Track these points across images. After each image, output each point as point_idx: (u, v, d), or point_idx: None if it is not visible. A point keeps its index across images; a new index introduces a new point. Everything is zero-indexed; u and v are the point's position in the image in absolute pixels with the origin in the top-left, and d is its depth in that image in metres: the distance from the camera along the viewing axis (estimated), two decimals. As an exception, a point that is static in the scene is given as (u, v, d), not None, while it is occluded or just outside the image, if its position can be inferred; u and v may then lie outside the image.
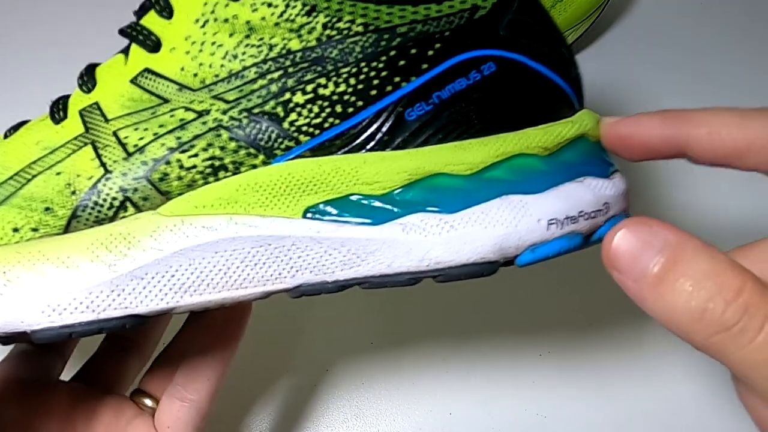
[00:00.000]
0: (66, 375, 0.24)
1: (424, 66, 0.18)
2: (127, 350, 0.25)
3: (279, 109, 0.18)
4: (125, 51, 0.20)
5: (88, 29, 0.37)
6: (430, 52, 0.18)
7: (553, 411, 0.29)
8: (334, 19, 0.18)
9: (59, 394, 0.22)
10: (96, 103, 0.19)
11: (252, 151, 0.18)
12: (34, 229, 0.17)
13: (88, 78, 0.20)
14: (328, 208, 0.17)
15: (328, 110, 0.18)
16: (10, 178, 0.18)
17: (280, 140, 0.18)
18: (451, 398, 0.29)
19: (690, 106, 0.17)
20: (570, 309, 0.31)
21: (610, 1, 0.36)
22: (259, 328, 0.29)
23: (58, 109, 0.19)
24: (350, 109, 0.18)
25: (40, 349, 0.23)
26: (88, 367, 0.24)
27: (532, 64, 0.18)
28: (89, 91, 0.19)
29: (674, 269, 0.14)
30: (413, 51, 0.18)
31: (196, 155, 0.17)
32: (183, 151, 0.17)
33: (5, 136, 0.20)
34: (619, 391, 0.29)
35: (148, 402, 0.23)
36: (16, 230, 0.17)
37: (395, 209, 0.17)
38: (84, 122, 0.18)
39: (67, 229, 0.17)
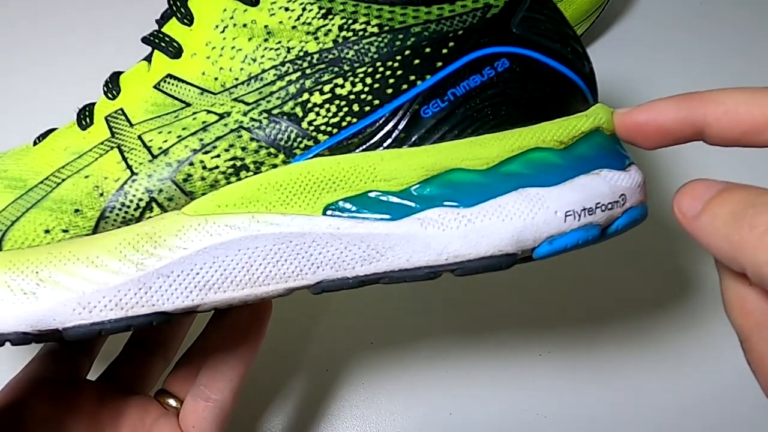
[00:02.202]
0: (92, 376, 0.24)
1: (439, 64, 0.18)
2: (151, 352, 0.25)
3: (298, 110, 0.18)
4: (148, 58, 0.20)
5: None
6: (444, 51, 0.18)
7: (553, 411, 0.29)
8: (350, 21, 0.18)
9: (87, 394, 0.22)
10: (121, 109, 0.19)
11: (272, 150, 0.18)
12: (65, 231, 0.18)
13: (113, 85, 0.20)
14: (347, 205, 0.18)
15: (345, 109, 0.18)
16: (41, 182, 0.18)
17: (299, 140, 0.18)
18: (451, 398, 0.29)
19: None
20: (570, 309, 0.31)
21: (610, 1, 0.36)
22: None
23: (85, 116, 0.20)
24: (367, 108, 0.18)
25: (69, 348, 0.24)
26: (113, 368, 0.25)
27: (544, 60, 0.19)
28: (114, 97, 0.20)
29: (728, 193, 0.15)
30: (427, 50, 0.18)
31: (218, 156, 0.18)
32: (206, 152, 0.18)
33: (35, 143, 0.21)
34: (619, 391, 0.29)
35: (173, 402, 0.24)
36: (47, 231, 0.18)
37: (413, 205, 0.17)
38: (110, 127, 0.19)
39: (96, 230, 0.18)
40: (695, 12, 0.40)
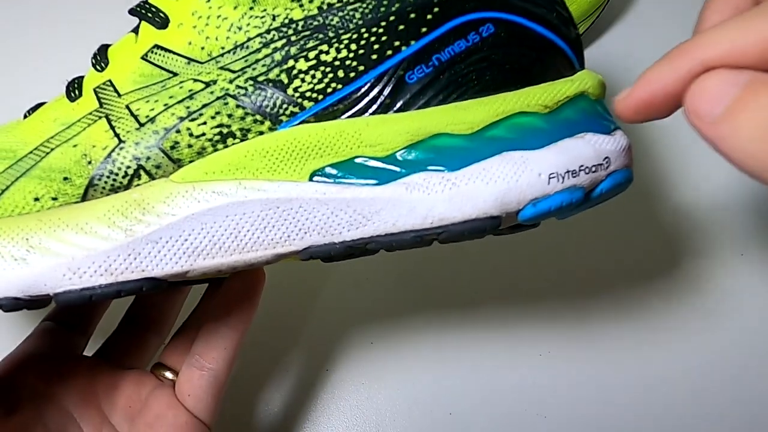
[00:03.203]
0: (87, 353, 0.25)
1: (424, 30, 0.18)
2: (146, 328, 0.25)
3: (283, 77, 0.18)
4: (136, 30, 0.20)
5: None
6: (429, 16, 0.18)
7: (553, 411, 0.29)
8: (335, -12, 0.18)
9: (81, 369, 0.23)
10: (109, 81, 0.20)
11: (258, 117, 0.18)
12: (54, 198, 0.18)
13: (101, 58, 0.20)
14: (334, 171, 0.18)
15: (330, 76, 0.18)
16: (30, 152, 0.19)
17: (285, 106, 0.18)
18: (451, 398, 0.29)
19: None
20: (570, 309, 0.31)
21: (610, 1, 0.36)
22: (259, 328, 0.29)
23: (74, 89, 0.20)
24: (352, 74, 0.18)
25: (64, 326, 0.24)
26: (108, 344, 0.25)
27: (529, 25, 0.19)
28: (102, 69, 0.20)
29: (755, 97, 0.13)
30: (412, 16, 0.18)
31: (204, 123, 0.18)
32: (192, 120, 0.18)
33: (24, 117, 0.21)
34: (619, 391, 0.29)
35: (169, 374, 0.24)
36: (36, 199, 0.18)
37: (398, 169, 0.18)
38: (98, 98, 0.19)
39: (84, 198, 0.18)
40: (695, 12, 0.40)
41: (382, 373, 0.29)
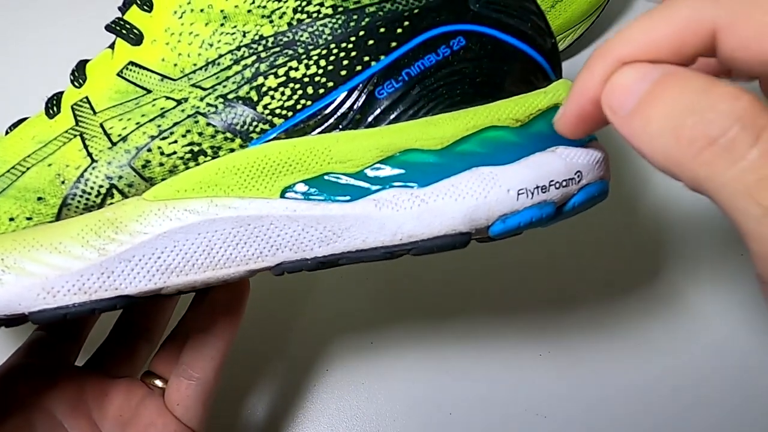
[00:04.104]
0: (79, 362, 0.25)
1: (393, 44, 0.18)
2: (137, 336, 0.26)
3: (253, 94, 0.18)
4: (112, 46, 0.21)
5: (86, 28, 0.38)
6: (399, 30, 0.18)
7: (553, 411, 0.29)
8: (304, 3, 0.18)
9: (72, 379, 0.23)
10: (86, 98, 0.20)
11: (229, 135, 0.18)
12: (29, 218, 0.18)
13: (79, 74, 0.21)
14: (304, 188, 0.18)
15: (300, 92, 0.18)
16: (8, 171, 0.19)
17: (255, 124, 0.18)
18: (451, 398, 0.29)
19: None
20: (570, 309, 0.31)
21: (610, 1, 0.36)
22: (258, 328, 0.29)
23: (53, 105, 0.20)
24: (321, 90, 0.18)
25: (55, 336, 0.24)
26: (100, 352, 0.25)
27: (502, 37, 0.19)
28: (81, 86, 0.20)
29: (664, 90, 0.12)
30: (382, 30, 0.18)
31: (175, 141, 0.18)
32: (163, 138, 0.18)
33: (6, 133, 0.21)
34: (619, 391, 0.29)
35: (158, 382, 0.24)
36: (12, 219, 0.18)
37: (368, 186, 0.18)
38: (75, 116, 0.19)
39: (59, 217, 0.18)
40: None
41: (382, 373, 0.29)
